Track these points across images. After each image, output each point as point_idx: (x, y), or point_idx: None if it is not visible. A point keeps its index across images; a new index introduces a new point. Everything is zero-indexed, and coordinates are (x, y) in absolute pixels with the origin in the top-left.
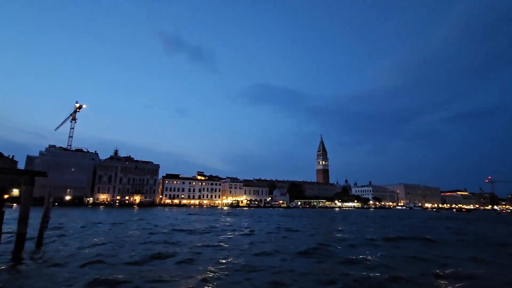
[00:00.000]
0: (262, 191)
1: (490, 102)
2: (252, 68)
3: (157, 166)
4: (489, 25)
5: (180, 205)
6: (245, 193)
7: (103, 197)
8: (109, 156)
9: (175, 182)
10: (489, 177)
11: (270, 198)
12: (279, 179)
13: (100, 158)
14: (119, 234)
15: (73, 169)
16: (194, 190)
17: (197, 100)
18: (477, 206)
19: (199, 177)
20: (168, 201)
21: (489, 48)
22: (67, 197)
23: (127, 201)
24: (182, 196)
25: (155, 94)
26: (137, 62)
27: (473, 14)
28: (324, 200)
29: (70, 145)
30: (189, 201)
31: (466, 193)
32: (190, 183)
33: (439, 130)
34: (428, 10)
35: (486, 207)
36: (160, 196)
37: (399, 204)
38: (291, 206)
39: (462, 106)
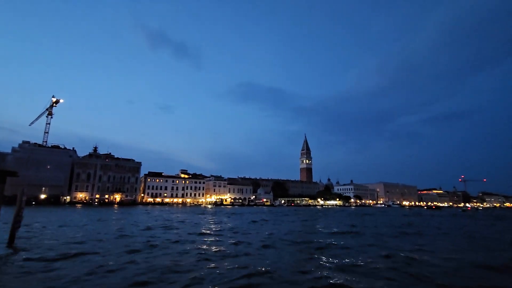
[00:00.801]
0: (246, 189)
1: (465, 105)
2: (238, 67)
3: (139, 163)
4: (467, 31)
5: (162, 203)
6: (229, 192)
7: (81, 195)
8: (88, 153)
9: (157, 180)
10: (462, 176)
11: (254, 197)
12: (263, 178)
13: (79, 155)
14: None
15: (49, 167)
16: (177, 189)
17: (181, 97)
18: (450, 203)
19: (182, 175)
20: (150, 199)
21: (465, 53)
22: (43, 196)
23: (107, 200)
24: (165, 194)
25: (138, 90)
26: (119, 56)
27: (452, 19)
28: (307, 198)
29: (46, 141)
30: (172, 200)
31: (441, 191)
32: (173, 181)
33: (417, 131)
34: (410, 15)
35: (459, 205)
36: (142, 195)
37: (379, 202)
38: (275, 204)
39: (440, 108)
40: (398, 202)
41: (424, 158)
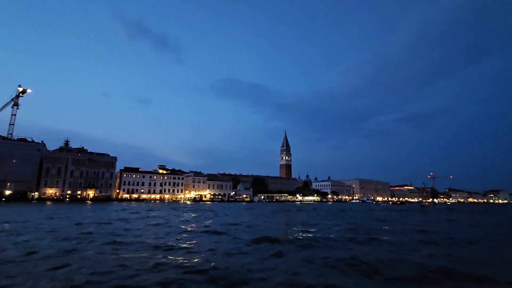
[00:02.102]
0: (226, 185)
1: (434, 106)
2: (219, 61)
3: (114, 158)
4: (438, 37)
5: (139, 200)
6: (208, 188)
7: (51, 191)
8: (58, 147)
9: (134, 175)
10: (431, 174)
11: (234, 193)
12: (243, 174)
13: (48, 149)
14: None
15: (14, 161)
16: (155, 185)
17: (161, 90)
18: (420, 199)
19: (160, 171)
20: (126, 196)
21: (436, 57)
22: (8, 192)
23: (79, 196)
24: (142, 190)
25: (114, 82)
26: (95, 46)
27: (425, 24)
28: (286, 194)
29: (11, 134)
30: (149, 196)
31: (412, 187)
32: (150, 177)
33: (391, 130)
34: (388, 17)
35: (427, 200)
36: (118, 191)
37: (355, 198)
38: (255, 200)
39: (412, 108)
40: (372, 197)
41: (397, 156)
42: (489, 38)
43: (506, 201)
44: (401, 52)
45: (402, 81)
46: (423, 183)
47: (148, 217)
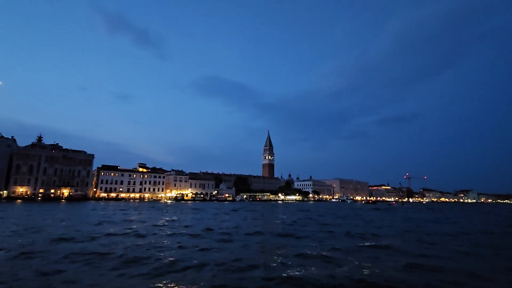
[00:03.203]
0: (208, 184)
1: (410, 109)
2: (203, 59)
3: (91, 156)
4: (415, 43)
5: (117, 199)
6: (190, 186)
7: (21, 190)
8: (30, 143)
9: (112, 174)
10: (407, 174)
11: (216, 192)
12: (225, 173)
13: (19, 145)
14: None
15: None
16: (134, 183)
17: (142, 86)
18: (397, 198)
19: (140, 169)
20: (104, 194)
21: (412, 62)
22: None
23: (52, 195)
24: (121, 189)
25: (92, 76)
26: (71, 37)
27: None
28: (268, 194)
29: None
30: (128, 195)
31: (389, 187)
32: (130, 175)
33: (369, 132)
34: (368, 22)
35: (403, 199)
36: (95, 190)
37: (335, 197)
38: (237, 199)
39: (389, 111)
40: (352, 197)
41: (376, 156)
42: (462, 44)
43: (474, 200)
44: (381, 56)
45: (381, 84)
46: (400, 183)
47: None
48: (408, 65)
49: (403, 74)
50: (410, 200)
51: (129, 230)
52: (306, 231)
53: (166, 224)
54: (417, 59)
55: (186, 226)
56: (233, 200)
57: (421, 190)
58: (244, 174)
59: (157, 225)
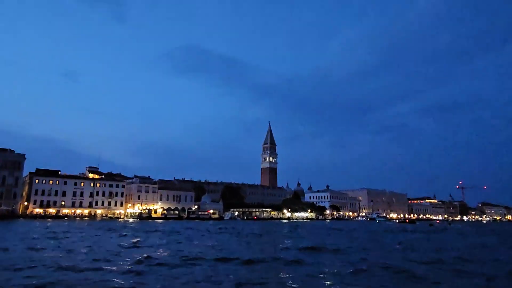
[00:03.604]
0: (186, 196)
1: (465, 93)
2: (179, 23)
3: (21, 156)
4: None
5: (58, 216)
6: (161, 199)
7: None
8: None
9: (51, 181)
10: (460, 182)
11: (196, 207)
12: (210, 181)
13: None
14: None
15: None
16: (82, 195)
17: (93, 60)
18: (446, 216)
19: (91, 175)
20: (39, 210)
21: (469, 28)
22: None
23: None
24: (63, 203)
25: (21, 46)
26: None
27: None
28: (269, 209)
29: None
30: (73, 211)
31: (435, 200)
32: (76, 183)
33: (407, 124)
34: None
35: (455, 218)
36: (26, 203)
37: (361, 214)
38: (226, 217)
39: (435, 96)
40: (384, 214)
41: (416, 158)
42: None
43: None
44: (424, 19)
45: (423, 59)
46: (450, 195)
47: None
48: (463, 32)
49: (455, 44)
50: (465, 218)
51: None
52: None
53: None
54: (477, 23)
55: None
56: (220, 218)
57: (480, 205)
58: (236, 182)
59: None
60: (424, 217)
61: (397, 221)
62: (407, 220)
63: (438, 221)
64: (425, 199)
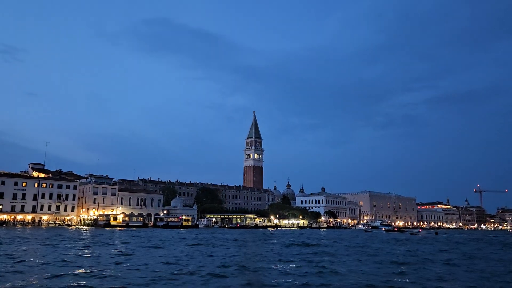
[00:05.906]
0: (153, 199)
1: (485, 81)
2: None
3: None
4: None
5: None
6: (121, 203)
7: None
8: None
9: None
10: (478, 185)
11: (165, 212)
12: (182, 181)
13: None
14: None
15: None
16: (24, 197)
17: (38, 34)
18: (460, 224)
19: (35, 174)
20: None
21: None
22: None
23: None
24: (0, 207)
25: None
26: None
27: None
28: (253, 216)
29: None
30: (13, 217)
31: (449, 206)
32: (16, 183)
33: (419, 116)
34: None
35: (472, 226)
36: None
37: (362, 221)
38: (201, 224)
39: (451, 84)
40: (389, 221)
41: (428, 156)
42: None
43: None
44: None
45: (438, 41)
46: (466, 200)
47: None
48: (483, 12)
49: (474, 25)
50: (482, 226)
51: None
52: None
53: None
54: (499, 2)
55: None
56: (195, 225)
57: (500, 211)
58: (214, 183)
59: None
60: (436, 225)
61: (383, 228)
62: (396, 229)
63: (420, 230)
64: (437, 204)
